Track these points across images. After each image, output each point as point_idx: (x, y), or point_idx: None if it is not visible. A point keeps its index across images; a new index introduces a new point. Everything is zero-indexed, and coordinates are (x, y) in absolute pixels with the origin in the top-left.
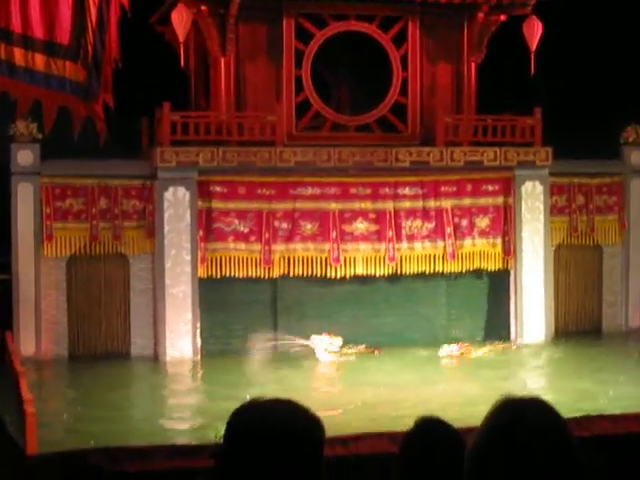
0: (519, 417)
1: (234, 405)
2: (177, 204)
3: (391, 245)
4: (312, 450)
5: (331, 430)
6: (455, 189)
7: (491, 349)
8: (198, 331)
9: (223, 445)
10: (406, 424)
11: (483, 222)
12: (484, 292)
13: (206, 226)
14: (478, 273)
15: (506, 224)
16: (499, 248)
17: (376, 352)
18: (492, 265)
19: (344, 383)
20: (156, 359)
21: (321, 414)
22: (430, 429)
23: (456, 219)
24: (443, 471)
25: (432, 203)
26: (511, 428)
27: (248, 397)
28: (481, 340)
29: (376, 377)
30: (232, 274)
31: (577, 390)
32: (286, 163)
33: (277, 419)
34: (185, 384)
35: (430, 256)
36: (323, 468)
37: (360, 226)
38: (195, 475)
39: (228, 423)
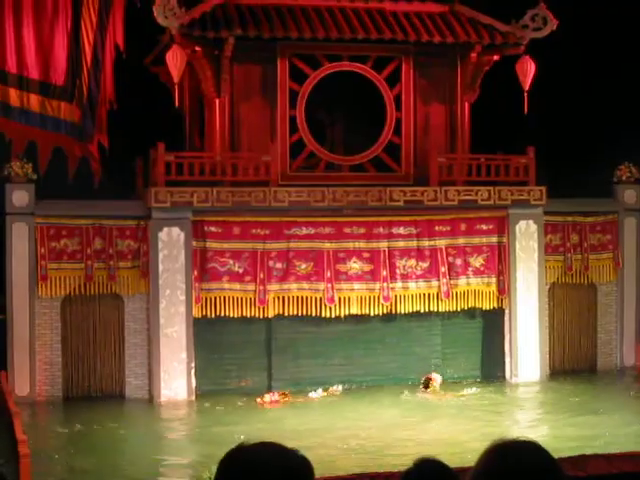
0: (512, 460)
1: (228, 447)
2: (171, 244)
3: (385, 285)
4: None
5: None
6: (449, 228)
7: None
8: (193, 371)
9: None
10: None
11: (477, 261)
12: (479, 331)
13: (200, 266)
14: (472, 312)
15: (500, 263)
16: (493, 287)
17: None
18: (486, 304)
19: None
20: (151, 400)
21: None
22: (429, 469)
23: (450, 258)
24: None
25: (426, 242)
26: (505, 471)
27: (242, 437)
28: (476, 379)
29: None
30: (227, 314)
31: (572, 429)
32: (280, 203)
33: (266, 462)
34: (179, 425)
35: (424, 295)
36: None
37: (354, 266)
38: None
39: (218, 467)
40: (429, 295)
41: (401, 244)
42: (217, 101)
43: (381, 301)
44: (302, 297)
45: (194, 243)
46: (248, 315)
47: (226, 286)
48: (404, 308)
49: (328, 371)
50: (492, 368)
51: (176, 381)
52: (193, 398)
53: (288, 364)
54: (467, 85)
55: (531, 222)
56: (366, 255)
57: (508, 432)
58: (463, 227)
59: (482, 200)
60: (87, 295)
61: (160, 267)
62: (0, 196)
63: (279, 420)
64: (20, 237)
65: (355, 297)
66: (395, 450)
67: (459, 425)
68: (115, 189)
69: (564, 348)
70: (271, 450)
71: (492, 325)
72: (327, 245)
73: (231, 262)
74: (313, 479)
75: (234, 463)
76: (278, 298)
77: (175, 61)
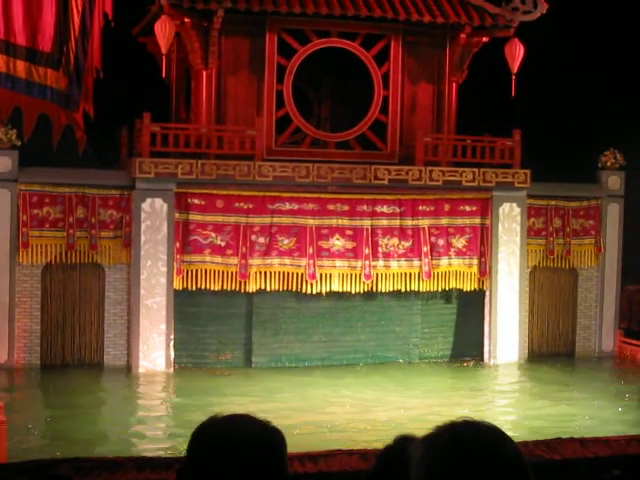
0: (457, 439)
1: (204, 418)
2: (154, 215)
3: (367, 262)
4: (273, 462)
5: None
6: (433, 208)
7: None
8: (172, 343)
9: (185, 461)
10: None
11: (460, 242)
12: (459, 312)
13: (183, 238)
14: (453, 293)
15: (482, 245)
16: (475, 268)
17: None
18: (467, 285)
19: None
20: (129, 370)
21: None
22: (407, 447)
23: (433, 238)
24: None
25: (409, 222)
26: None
27: (218, 410)
28: (454, 359)
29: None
30: (208, 287)
31: (548, 412)
32: (265, 178)
33: (238, 433)
34: (157, 396)
35: (406, 275)
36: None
37: (337, 243)
38: None
39: (191, 440)
40: (410, 274)
41: (384, 222)
42: (204, 73)
43: (362, 279)
44: (284, 272)
45: (177, 215)
46: (229, 289)
47: (208, 259)
48: (385, 287)
49: (308, 348)
50: (471, 349)
51: (155, 352)
52: (171, 370)
53: (268, 339)
54: (455, 66)
55: (514, 205)
56: (349, 232)
57: (484, 413)
58: (447, 208)
59: (466, 181)
60: (68, 264)
61: (142, 238)
62: None
63: (258, 394)
64: (2, 203)
65: (337, 274)
66: (367, 428)
67: (434, 404)
68: (99, 158)
69: (543, 332)
70: (244, 422)
71: (472, 306)
72: (310, 221)
73: (213, 235)
74: (286, 450)
75: (206, 436)
76: (260, 273)
77: (163, 32)
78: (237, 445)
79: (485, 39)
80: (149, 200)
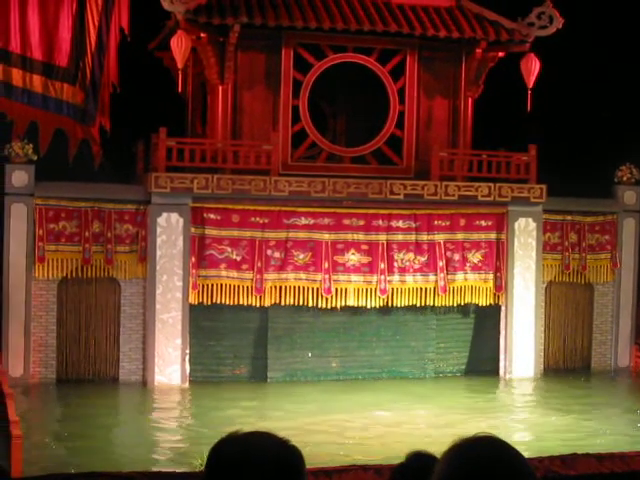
0: (473, 457)
1: (220, 434)
2: (170, 230)
3: (383, 277)
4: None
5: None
6: (448, 223)
7: None
8: (187, 358)
9: (204, 478)
10: None
11: (475, 257)
12: (474, 327)
13: (198, 253)
14: (469, 308)
15: (498, 260)
16: (490, 283)
17: None
18: (483, 300)
19: None
20: (144, 385)
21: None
22: (421, 463)
23: (448, 253)
24: None
25: (425, 236)
26: (466, 469)
27: (235, 426)
28: (470, 374)
29: None
30: (223, 301)
31: (564, 427)
32: (280, 192)
33: (257, 451)
34: (172, 411)
35: (421, 289)
36: None
37: (352, 257)
38: None
39: (209, 456)
40: (426, 289)
41: (400, 237)
42: (220, 88)
43: (378, 294)
44: (299, 287)
45: (193, 229)
46: (245, 303)
47: (223, 274)
48: (400, 301)
49: (323, 362)
50: (486, 364)
51: (170, 367)
52: (187, 384)
53: (284, 354)
54: (471, 81)
55: (530, 220)
56: (364, 247)
57: (499, 427)
58: (462, 222)
59: (482, 196)
60: (84, 278)
61: (158, 252)
62: (0, 176)
63: (274, 408)
64: (19, 218)
65: (352, 289)
66: (382, 443)
67: (449, 419)
68: (115, 173)
69: (559, 347)
70: (262, 439)
71: (488, 321)
72: (326, 236)
73: (229, 250)
74: (304, 468)
75: (225, 453)
76: (275, 287)
77: (180, 47)
78: (255, 463)
79: (501, 54)
80: (165, 215)
